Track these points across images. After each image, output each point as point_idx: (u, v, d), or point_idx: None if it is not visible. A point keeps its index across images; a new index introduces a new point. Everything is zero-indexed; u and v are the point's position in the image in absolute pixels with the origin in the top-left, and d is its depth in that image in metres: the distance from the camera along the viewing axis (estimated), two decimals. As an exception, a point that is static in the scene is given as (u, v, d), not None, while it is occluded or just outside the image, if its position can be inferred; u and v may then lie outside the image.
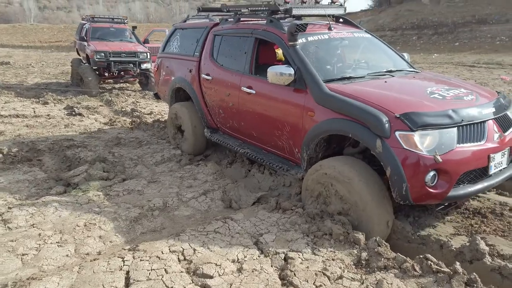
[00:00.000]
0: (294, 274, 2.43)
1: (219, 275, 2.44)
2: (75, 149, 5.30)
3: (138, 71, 10.77)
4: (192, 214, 3.56)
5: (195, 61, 4.98)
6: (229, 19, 4.80)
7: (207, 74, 4.72)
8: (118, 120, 7.27)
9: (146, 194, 3.95)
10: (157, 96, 6.63)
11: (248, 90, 4.00)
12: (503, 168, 3.14)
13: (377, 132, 2.79)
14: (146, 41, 13.02)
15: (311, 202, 3.24)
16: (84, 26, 11.85)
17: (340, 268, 2.50)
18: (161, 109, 8.40)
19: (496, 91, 3.58)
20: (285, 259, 2.60)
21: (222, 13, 5.33)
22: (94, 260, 2.64)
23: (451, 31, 28.66)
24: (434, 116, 2.79)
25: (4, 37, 40.72)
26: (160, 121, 6.96)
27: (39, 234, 3.04)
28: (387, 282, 2.35)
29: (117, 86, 11.88)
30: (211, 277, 2.42)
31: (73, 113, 7.80)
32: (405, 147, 2.70)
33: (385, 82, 3.52)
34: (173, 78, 5.52)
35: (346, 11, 4.56)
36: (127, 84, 12.11)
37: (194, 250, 2.70)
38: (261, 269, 2.50)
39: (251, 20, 4.62)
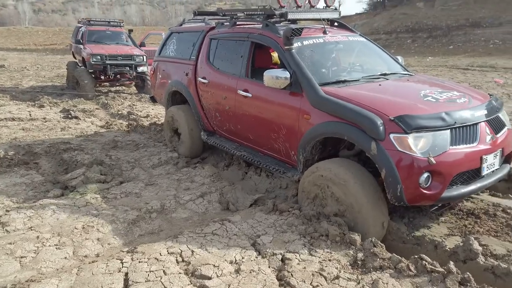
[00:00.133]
0: (291, 274, 2.46)
1: (217, 276, 2.47)
2: (72, 152, 5.31)
3: (134, 74, 10.79)
4: (189, 216, 3.58)
5: (191, 65, 5.02)
6: (225, 23, 4.84)
7: (204, 78, 4.75)
8: (115, 123, 7.28)
9: (144, 196, 3.97)
10: (153, 100, 6.65)
11: (245, 94, 4.04)
12: (496, 169, 3.20)
13: (372, 135, 2.84)
14: (142, 44, 13.01)
15: (307, 204, 3.28)
16: (80, 29, 11.84)
17: (337, 268, 2.54)
18: (157, 112, 8.42)
19: (488, 94, 3.65)
20: (282, 260, 2.64)
21: (218, 17, 5.37)
22: (93, 262, 2.66)
23: (445, 34, 28.92)
24: (427, 119, 2.84)
25: (-2, 40, 40.57)
26: (156, 124, 6.98)
27: (37, 237, 3.05)
28: (382, 282, 2.39)
29: (113, 89, 11.88)
30: (209, 278, 2.45)
31: (69, 116, 7.80)
32: (399, 149, 2.75)
33: (380, 85, 3.57)
34: (169, 81, 5.55)
35: (341, 15, 4.63)
36: (123, 87, 12.11)
37: (192, 251, 2.73)
38: (258, 270, 2.53)
39: (247, 24, 4.67)
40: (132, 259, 2.63)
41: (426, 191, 2.76)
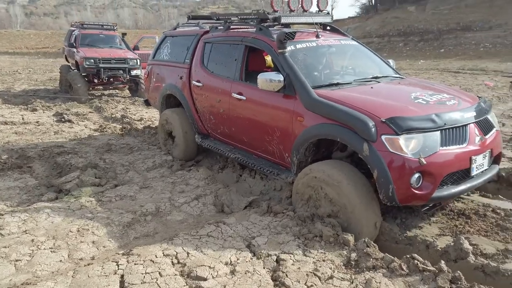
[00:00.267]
0: (286, 275, 2.50)
1: (213, 277, 2.49)
2: (66, 155, 5.30)
3: (128, 78, 10.78)
4: (184, 219, 3.60)
5: (185, 68, 5.05)
6: (219, 27, 4.88)
7: (198, 81, 4.79)
8: (108, 127, 7.27)
9: (139, 199, 3.98)
10: (147, 103, 6.65)
11: (239, 96, 4.08)
12: (485, 170, 3.27)
13: (364, 136, 2.89)
14: (136, 48, 13.02)
15: (301, 205, 3.32)
16: (73, 33, 11.82)
17: (331, 268, 2.58)
18: (151, 116, 8.42)
19: (478, 96, 3.72)
20: (277, 260, 2.67)
21: (212, 21, 5.41)
22: (89, 264, 2.67)
23: (436, 38, 29.29)
24: (418, 120, 2.90)
25: (-11, 43, 40.22)
26: (150, 127, 6.98)
27: (32, 240, 3.05)
28: (375, 281, 2.43)
29: (106, 92, 11.86)
30: (204, 279, 2.47)
31: (63, 119, 7.78)
32: (391, 150, 2.80)
33: (371, 88, 3.63)
34: (163, 85, 5.57)
35: (334, 19, 4.69)
36: (117, 90, 12.09)
37: (188, 253, 2.75)
38: (253, 270, 2.56)
39: (240, 28, 4.71)
40: (127, 261, 2.64)
41: (417, 191, 2.82)
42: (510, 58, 20.21)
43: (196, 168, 4.91)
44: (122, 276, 2.49)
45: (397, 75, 4.27)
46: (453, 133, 3.00)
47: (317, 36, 4.16)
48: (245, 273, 2.54)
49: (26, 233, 3.17)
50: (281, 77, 3.53)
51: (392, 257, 2.63)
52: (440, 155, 2.88)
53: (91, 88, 11.10)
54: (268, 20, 4.18)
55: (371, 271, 2.56)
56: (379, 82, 3.88)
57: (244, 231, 3.08)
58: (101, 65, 10.29)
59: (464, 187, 3.05)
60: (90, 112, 8.88)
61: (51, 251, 2.92)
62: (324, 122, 3.21)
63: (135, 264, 2.61)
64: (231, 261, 2.67)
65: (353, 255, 2.70)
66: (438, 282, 2.38)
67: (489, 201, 3.76)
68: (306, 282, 2.44)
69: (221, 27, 4.82)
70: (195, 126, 5.05)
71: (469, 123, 3.11)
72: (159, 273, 2.52)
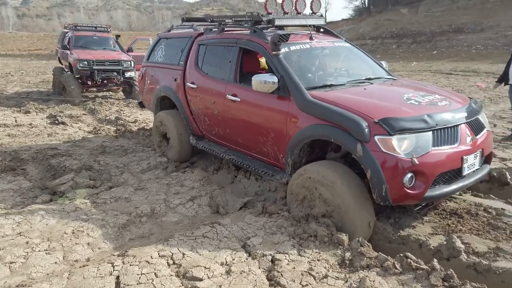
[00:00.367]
0: (281, 274, 2.52)
1: (208, 277, 2.51)
2: (60, 157, 5.27)
3: (122, 80, 10.75)
4: (180, 220, 3.61)
5: (180, 70, 5.06)
6: (213, 29, 4.90)
7: (192, 83, 4.80)
8: (103, 129, 7.25)
9: (134, 201, 3.98)
10: (141, 105, 6.65)
11: (233, 98, 4.10)
12: (476, 169, 3.32)
13: (358, 137, 2.92)
14: (130, 50, 12.99)
15: (296, 206, 3.34)
16: (66, 35, 11.77)
17: (325, 268, 2.60)
18: (145, 117, 8.41)
19: (468, 97, 3.78)
20: (272, 260, 2.69)
21: (206, 23, 5.43)
22: (84, 266, 2.67)
23: (429, 40, 29.54)
24: (410, 121, 2.94)
25: (-19, 45, 39.86)
26: (145, 129, 6.97)
27: (27, 242, 3.04)
28: (369, 280, 2.46)
29: (100, 94, 11.81)
30: (200, 279, 2.48)
31: (56, 122, 7.74)
32: (384, 150, 2.83)
33: (365, 89, 3.67)
34: (158, 86, 5.58)
35: (328, 21, 4.74)
36: (111, 92, 12.05)
37: (183, 254, 2.76)
38: (249, 270, 2.58)
39: (235, 30, 4.74)
40: (123, 262, 2.65)
41: (410, 190, 2.86)
42: (502, 60, 20.40)
43: (191, 169, 4.92)
44: (117, 277, 2.50)
45: (390, 77, 4.32)
46: (445, 134, 3.05)
47: (311, 38, 4.19)
48: (241, 273, 2.56)
49: (20, 235, 3.16)
50: (275, 79, 3.56)
51: (386, 256, 2.66)
52: (432, 155, 2.92)
53: (84, 90, 11.05)
54: (262, 22, 4.21)
55: (365, 270, 2.59)
56: (372, 83, 3.92)
57: (239, 232, 3.09)
58: (95, 67, 10.25)
59: (456, 187, 3.09)
60: (84, 114, 8.84)
61: (46, 253, 2.91)
62: (318, 123, 3.24)
63: (130, 265, 2.61)
64: (226, 262, 2.69)
65: (348, 254, 2.73)
66: (431, 280, 2.42)
67: (481, 200, 3.82)
68: (301, 282, 2.46)
69: (215, 29, 4.84)
70: (190, 128, 5.06)
71: (460, 124, 3.16)
72: (155, 273, 2.53)
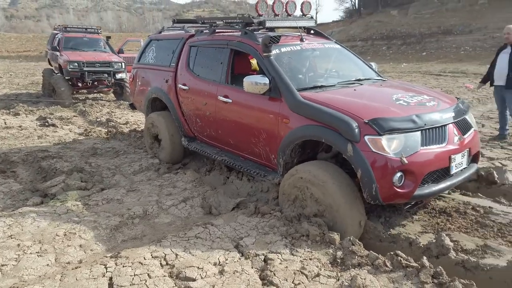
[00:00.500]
0: (274, 274, 2.54)
1: (202, 277, 2.52)
2: (50, 160, 5.23)
3: (112, 81, 10.69)
4: (172, 221, 3.61)
5: (171, 72, 5.06)
6: (205, 31, 4.92)
7: (184, 84, 4.81)
8: (94, 131, 7.21)
9: (126, 202, 3.97)
10: (132, 107, 6.63)
11: (225, 99, 4.12)
12: (464, 168, 3.39)
13: (348, 137, 2.97)
14: (120, 51, 12.93)
15: (288, 206, 3.37)
16: (56, 36, 11.67)
17: (317, 266, 2.63)
18: (137, 119, 8.38)
19: (456, 97, 3.85)
20: (265, 260, 2.71)
21: (197, 25, 5.44)
22: (76, 268, 2.66)
23: (418, 41, 29.85)
24: (399, 121, 2.99)
25: (-32, 47, 39.26)
26: (136, 131, 6.95)
27: (18, 245, 3.02)
28: (361, 278, 2.50)
29: (90, 96, 11.73)
30: (193, 280, 2.50)
31: (46, 124, 7.67)
32: (373, 150, 2.88)
33: (355, 90, 3.72)
34: (149, 88, 5.57)
35: (318, 23, 4.78)
36: (101, 94, 11.98)
37: (176, 255, 2.77)
38: (242, 270, 2.60)
39: (226, 32, 4.76)
40: (116, 263, 2.65)
41: (400, 189, 2.91)
42: (490, 61, 20.74)
43: (183, 170, 4.92)
44: (110, 279, 2.50)
45: (379, 78, 4.38)
46: (433, 133, 3.11)
47: (301, 40, 4.23)
48: (234, 273, 2.58)
49: (11, 238, 3.13)
50: (266, 80, 3.59)
51: (377, 255, 2.70)
52: (420, 154, 2.97)
53: (75, 92, 10.97)
54: (253, 24, 4.24)
55: (356, 268, 2.62)
56: (362, 84, 3.97)
57: (232, 232, 3.11)
58: (85, 69, 10.18)
59: (444, 185, 3.15)
60: (74, 116, 8.78)
61: (37, 255, 2.89)
62: (309, 123, 3.28)
63: (123, 266, 2.61)
64: (219, 262, 2.70)
65: (339, 253, 2.76)
66: (420, 277, 2.46)
67: (469, 199, 3.89)
68: (293, 281, 2.49)
69: (207, 31, 4.86)
70: (181, 129, 5.07)
71: (448, 123, 3.22)
72: (148, 274, 2.53)
